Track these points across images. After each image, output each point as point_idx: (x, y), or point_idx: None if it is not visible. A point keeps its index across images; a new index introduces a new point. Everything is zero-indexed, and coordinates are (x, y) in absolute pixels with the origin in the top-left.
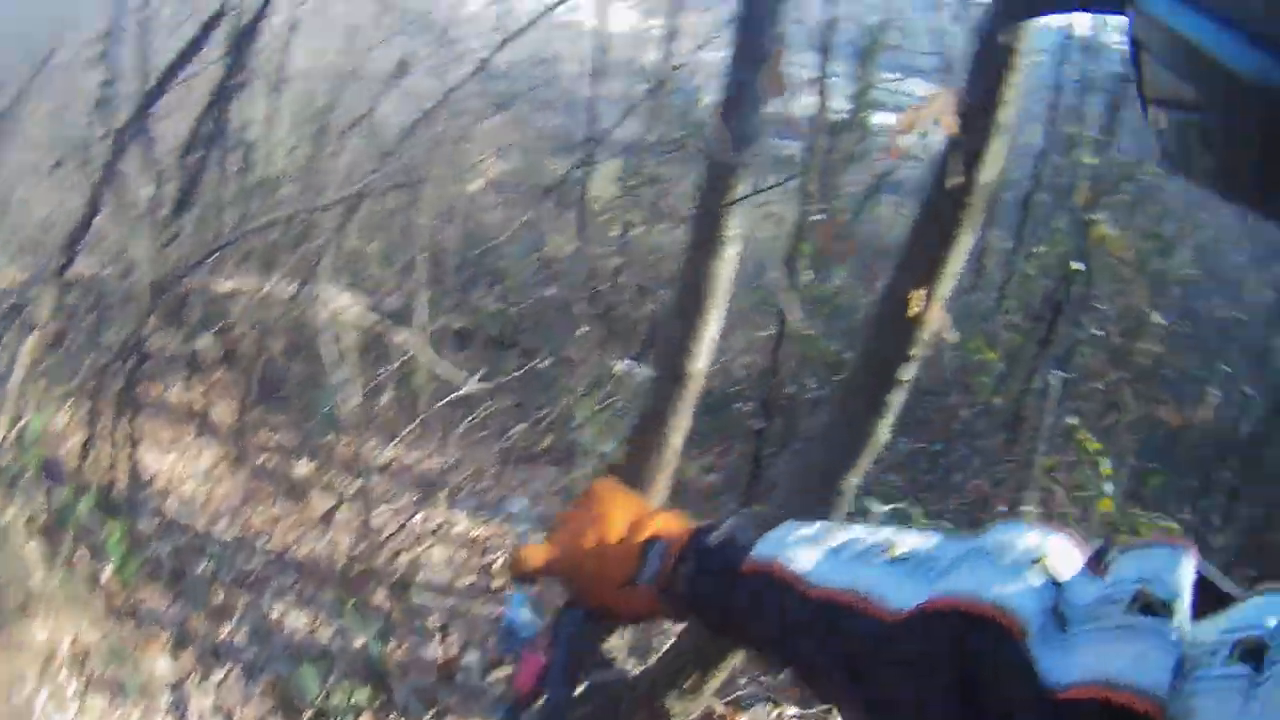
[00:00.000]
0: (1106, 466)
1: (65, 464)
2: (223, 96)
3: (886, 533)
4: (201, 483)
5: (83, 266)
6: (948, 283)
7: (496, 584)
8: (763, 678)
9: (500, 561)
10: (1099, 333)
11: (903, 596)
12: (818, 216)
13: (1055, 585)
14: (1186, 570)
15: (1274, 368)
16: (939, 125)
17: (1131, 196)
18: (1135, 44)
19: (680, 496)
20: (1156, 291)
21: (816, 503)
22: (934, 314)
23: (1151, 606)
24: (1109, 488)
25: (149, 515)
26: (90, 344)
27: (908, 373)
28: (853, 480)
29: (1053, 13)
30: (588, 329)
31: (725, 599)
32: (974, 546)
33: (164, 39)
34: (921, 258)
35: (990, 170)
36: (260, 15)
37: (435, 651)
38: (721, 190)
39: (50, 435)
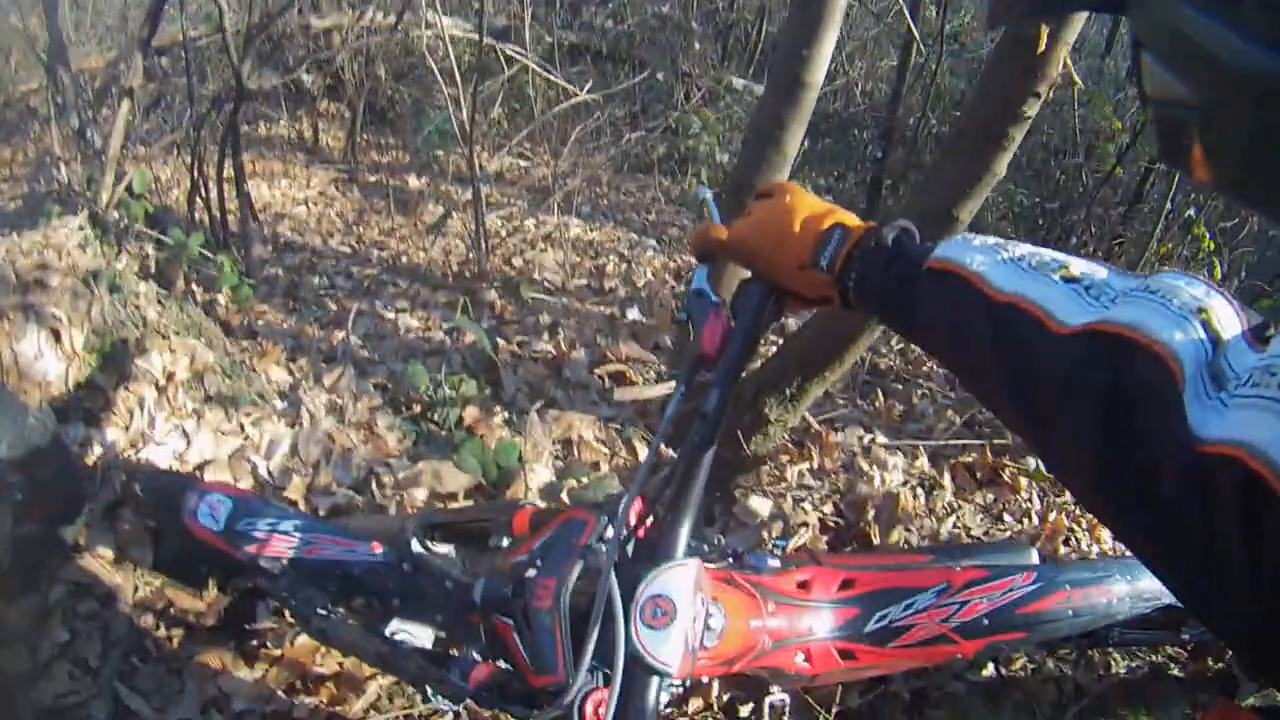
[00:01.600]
0: (1217, 269)
1: (175, 211)
2: None
3: (1057, 254)
4: (313, 206)
5: (170, 33)
6: (1074, 25)
7: (609, 285)
8: (859, 401)
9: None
10: None
11: (1072, 314)
12: None
13: (1214, 344)
14: None
15: None
16: None
17: None
18: (1135, 43)
19: None
20: None
21: (933, 230)
22: (1058, 54)
23: None
24: None
25: (261, 242)
26: (187, 101)
27: (1031, 109)
28: (970, 207)
29: (1051, 12)
30: (702, 47)
31: (902, 290)
32: (1143, 285)
33: None
34: None
35: None
36: None
37: (545, 347)
38: None
39: (157, 190)
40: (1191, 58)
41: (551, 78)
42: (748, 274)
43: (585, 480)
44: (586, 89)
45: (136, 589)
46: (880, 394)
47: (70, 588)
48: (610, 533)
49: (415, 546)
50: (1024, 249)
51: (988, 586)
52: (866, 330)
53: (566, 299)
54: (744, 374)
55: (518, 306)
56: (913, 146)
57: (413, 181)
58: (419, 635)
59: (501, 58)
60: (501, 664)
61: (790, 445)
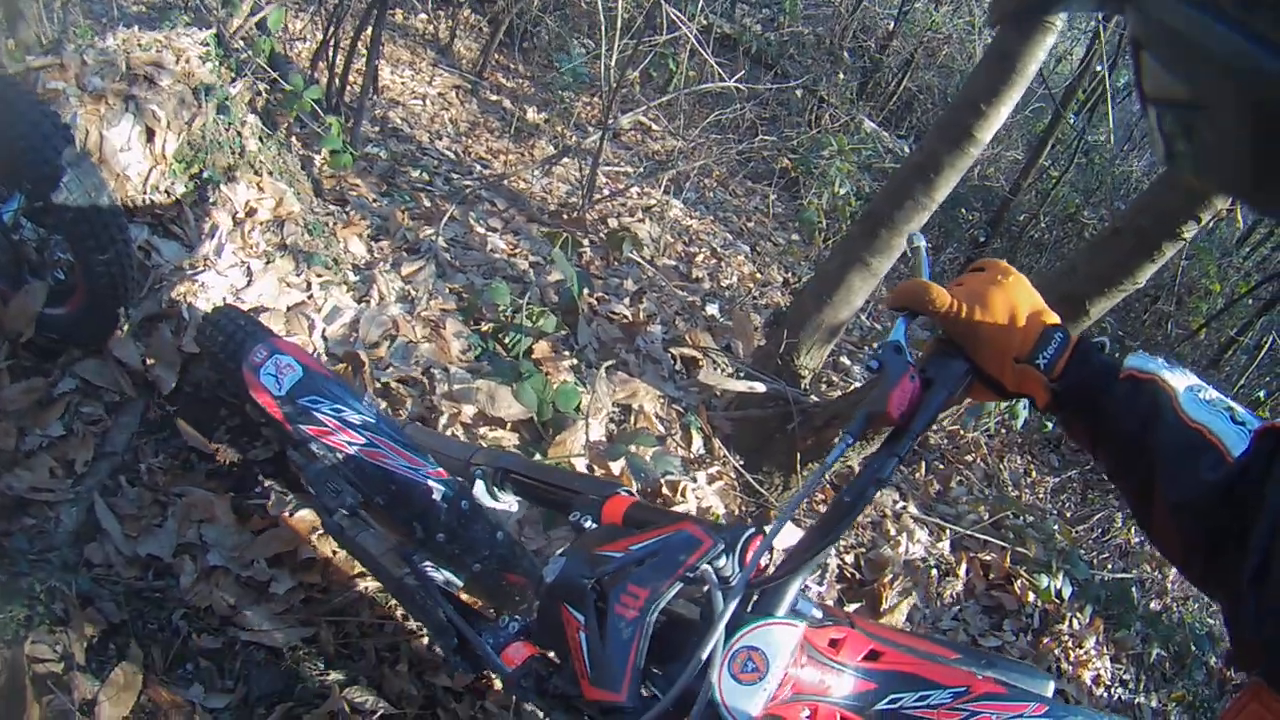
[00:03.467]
0: None
1: (295, 64)
2: None
3: (1219, 393)
4: (430, 104)
5: None
6: None
7: (696, 274)
8: (902, 467)
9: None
10: None
11: (1238, 449)
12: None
13: None
14: None
15: None
16: None
17: None
18: (1135, 43)
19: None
20: None
21: (1062, 318)
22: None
23: None
24: None
25: (371, 121)
26: None
27: (1189, 231)
28: (1102, 305)
29: (1050, 11)
30: (846, 78)
31: (1100, 394)
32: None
33: None
34: None
35: None
36: None
37: (624, 311)
38: None
39: (285, 38)
40: (1191, 58)
41: (705, 55)
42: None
43: (648, 449)
44: (736, 78)
45: (147, 408)
46: (923, 467)
47: (80, 385)
48: (725, 562)
49: (480, 487)
50: (1195, 380)
51: (1001, 705)
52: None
53: (654, 273)
54: (819, 400)
55: (604, 265)
56: (1016, 241)
57: (531, 114)
58: (446, 580)
59: (664, 18)
60: (545, 653)
61: (831, 488)
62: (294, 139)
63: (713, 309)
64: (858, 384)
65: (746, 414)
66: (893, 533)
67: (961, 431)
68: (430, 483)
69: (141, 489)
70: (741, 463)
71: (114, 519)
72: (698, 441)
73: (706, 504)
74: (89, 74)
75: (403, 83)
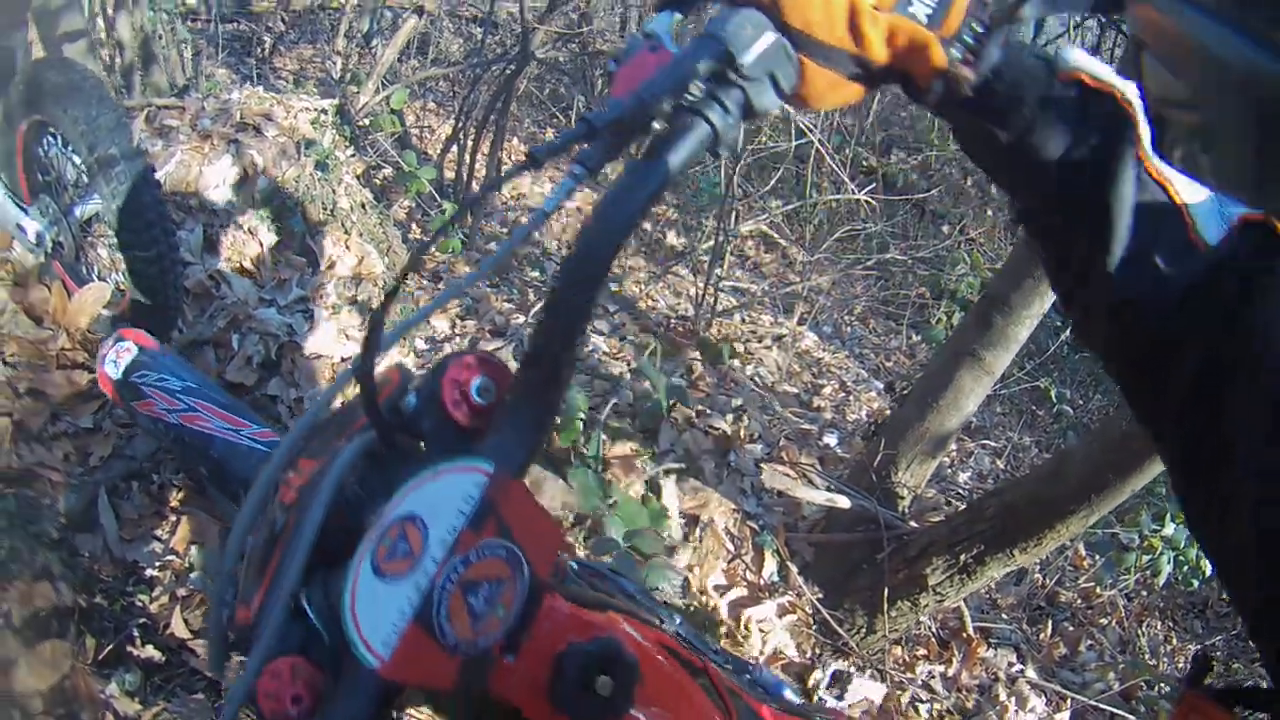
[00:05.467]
0: None
1: (424, 152)
2: None
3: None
4: (568, 216)
5: None
6: None
7: (818, 404)
8: (1025, 626)
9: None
10: None
11: (1211, 233)
12: None
13: None
14: None
15: None
16: None
17: None
18: (1136, 43)
19: None
20: None
21: None
22: None
23: None
24: None
25: (503, 223)
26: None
27: None
28: None
29: (1052, 11)
30: (993, 219)
31: (1024, 94)
32: None
33: None
34: None
35: None
36: None
37: (722, 426)
38: None
39: (420, 124)
40: (1192, 58)
41: (833, 165)
42: None
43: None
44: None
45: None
46: (1049, 626)
47: None
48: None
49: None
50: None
51: None
52: (1082, 512)
53: (767, 396)
54: (918, 526)
55: (716, 384)
56: None
57: (671, 237)
58: None
59: (792, 128)
60: None
61: (936, 639)
62: (415, 224)
63: (831, 440)
64: (964, 504)
65: (831, 537)
66: (1003, 698)
67: (1097, 590)
68: (252, 444)
69: (148, 498)
70: (820, 596)
71: (113, 516)
72: (771, 565)
73: (774, 642)
74: (203, 117)
75: (544, 195)
